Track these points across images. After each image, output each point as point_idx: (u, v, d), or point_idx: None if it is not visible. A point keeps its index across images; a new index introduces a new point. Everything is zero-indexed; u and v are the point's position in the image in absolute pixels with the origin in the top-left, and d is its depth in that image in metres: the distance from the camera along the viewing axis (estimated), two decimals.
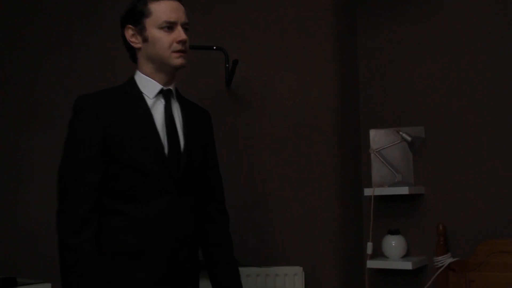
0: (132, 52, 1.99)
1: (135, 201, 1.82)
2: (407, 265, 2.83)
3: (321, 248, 2.90)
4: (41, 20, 3.14)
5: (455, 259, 2.84)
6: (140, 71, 1.96)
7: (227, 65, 2.93)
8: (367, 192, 3.02)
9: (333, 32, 3.04)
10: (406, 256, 3.00)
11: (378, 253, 3.06)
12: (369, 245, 3.01)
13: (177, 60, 1.91)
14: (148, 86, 1.93)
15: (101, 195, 1.83)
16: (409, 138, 3.01)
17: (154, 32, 1.89)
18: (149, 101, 1.91)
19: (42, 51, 3.11)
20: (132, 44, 1.94)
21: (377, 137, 3.17)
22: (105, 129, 1.82)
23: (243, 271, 2.84)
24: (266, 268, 2.85)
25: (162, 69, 1.93)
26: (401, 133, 3.04)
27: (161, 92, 1.94)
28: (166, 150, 1.86)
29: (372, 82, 3.25)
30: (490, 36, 2.95)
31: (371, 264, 2.95)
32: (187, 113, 2.00)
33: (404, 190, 2.90)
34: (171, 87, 1.98)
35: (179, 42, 1.90)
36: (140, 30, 1.91)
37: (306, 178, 2.96)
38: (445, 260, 2.84)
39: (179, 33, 1.90)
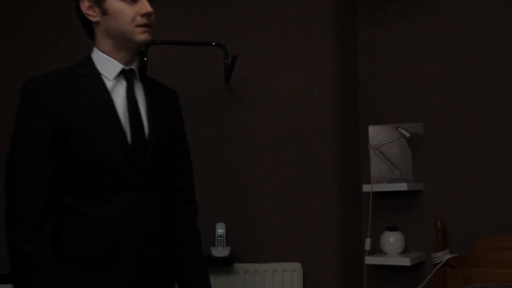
0: (89, 28, 1.74)
1: (95, 199, 1.61)
2: (405, 261, 2.83)
3: (320, 244, 2.91)
4: (40, 18, 3.14)
5: (453, 255, 2.85)
6: (98, 49, 1.72)
7: (226, 61, 2.94)
8: (366, 188, 3.02)
9: (333, 31, 3.05)
10: (404, 252, 3.01)
11: (377, 249, 3.07)
12: (368, 241, 3.02)
13: (141, 36, 1.67)
14: (108, 66, 1.70)
15: (57, 192, 1.62)
16: (408, 135, 3.01)
17: (114, 3, 1.66)
18: (109, 84, 1.68)
19: (42, 50, 3.11)
20: (89, 17, 1.70)
21: (376, 134, 3.17)
22: (58, 116, 1.59)
23: (242, 267, 2.85)
24: (264, 264, 2.86)
25: (123, 46, 1.70)
26: (400, 129, 3.04)
27: (122, 72, 1.71)
28: (129, 139, 1.64)
29: (371, 79, 3.25)
30: (490, 36, 2.95)
31: (370, 260, 2.96)
32: (153, 95, 1.77)
33: (402, 187, 2.91)
34: (133, 67, 1.74)
35: (143, 15, 1.66)
36: (98, 1, 1.67)
37: (305, 174, 2.96)
38: (443, 256, 2.85)
39: (144, 5, 1.67)
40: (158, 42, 2.85)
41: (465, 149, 2.96)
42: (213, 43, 2.92)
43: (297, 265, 2.85)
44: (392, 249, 2.96)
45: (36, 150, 1.59)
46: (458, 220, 2.93)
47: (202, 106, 3.03)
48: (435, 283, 2.88)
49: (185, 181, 1.88)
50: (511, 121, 2.86)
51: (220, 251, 2.83)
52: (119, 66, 1.70)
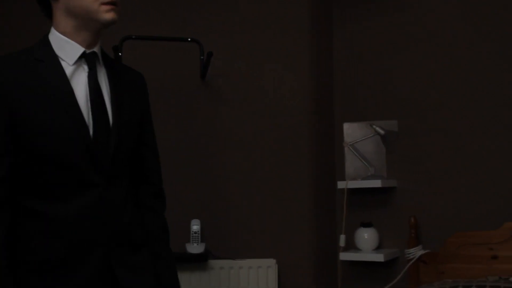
0: (46, 4, 1.56)
1: (53, 199, 1.47)
2: (379, 257, 2.86)
3: (295, 240, 2.92)
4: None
5: (425, 251, 2.88)
6: (56, 30, 1.53)
7: (202, 57, 2.92)
8: (340, 185, 3.04)
9: (308, 26, 3.05)
10: (378, 248, 3.04)
11: (351, 246, 3.09)
12: (342, 238, 3.04)
13: (107, 15, 1.49)
14: (67, 49, 1.52)
15: (12, 192, 1.46)
16: (382, 132, 3.04)
17: None
18: (68, 69, 1.51)
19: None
20: None
21: (351, 131, 3.19)
22: (11, 108, 1.43)
23: (217, 263, 2.85)
24: (239, 261, 2.86)
25: (86, 26, 1.52)
26: (374, 126, 3.07)
27: (83, 56, 1.53)
28: (91, 132, 1.49)
29: (346, 77, 3.26)
30: (465, 30, 2.98)
31: (344, 256, 2.98)
32: (117, 80, 1.60)
33: (376, 183, 2.93)
34: (95, 50, 1.57)
35: None
36: None
37: (280, 171, 2.97)
38: (416, 252, 2.88)
39: None
40: (133, 37, 2.83)
41: (438, 147, 2.99)
42: (189, 39, 2.91)
43: (272, 262, 2.86)
44: (366, 245, 2.98)
45: None
46: (431, 216, 2.97)
47: (178, 102, 3.01)
48: (408, 278, 2.92)
49: (152, 172, 1.75)
50: (483, 119, 2.90)
51: (195, 248, 2.83)
52: (80, 49, 1.53)
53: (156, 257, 1.70)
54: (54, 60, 1.50)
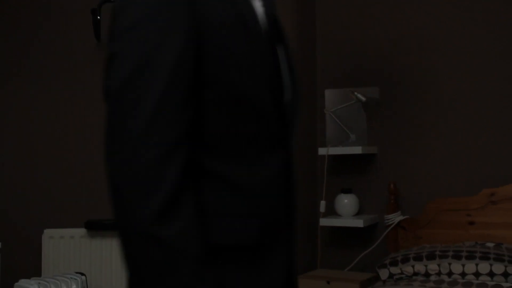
0: None
1: (240, 157, 1.07)
2: (359, 223, 2.89)
3: None
4: None
5: (404, 217, 2.92)
6: None
7: None
8: (321, 151, 3.05)
9: None
10: (358, 214, 3.07)
11: (331, 211, 3.12)
12: (322, 204, 3.06)
13: None
14: None
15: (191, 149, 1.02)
16: (363, 99, 3.04)
17: None
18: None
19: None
20: None
21: (332, 97, 3.19)
22: (199, 21, 1.01)
23: None
24: None
25: None
26: (356, 93, 3.07)
27: None
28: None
29: (328, 43, 3.24)
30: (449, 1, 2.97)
31: (324, 222, 3.01)
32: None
33: (357, 150, 2.94)
34: None
35: None
36: None
37: None
38: (395, 218, 2.92)
39: None
40: (112, 0, 2.77)
41: (418, 114, 3.00)
42: None
43: None
44: (346, 211, 3.01)
45: (168, 79, 0.97)
46: (410, 183, 3.00)
47: None
48: (387, 244, 2.96)
49: None
50: (463, 87, 2.92)
51: None
52: None
53: None
54: None
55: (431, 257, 2.51)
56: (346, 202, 3.01)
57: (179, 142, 0.97)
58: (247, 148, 1.07)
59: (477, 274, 2.40)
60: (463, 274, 2.42)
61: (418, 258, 2.54)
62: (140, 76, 0.96)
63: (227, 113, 1.05)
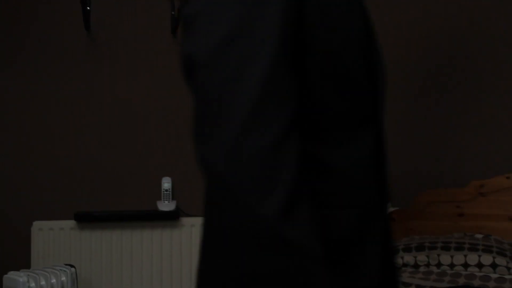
0: None
1: (337, 140, 0.91)
2: None
3: None
4: None
5: (395, 208, 2.93)
6: None
7: (173, 13, 2.86)
8: None
9: None
10: None
11: None
12: None
13: None
14: None
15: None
16: None
17: None
18: None
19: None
20: None
21: None
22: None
23: (188, 221, 2.86)
24: None
25: None
26: None
27: None
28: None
29: None
30: None
31: None
32: None
33: None
34: None
35: None
36: None
37: None
38: None
39: None
40: None
41: (407, 106, 3.01)
42: None
43: None
44: None
45: (286, 39, 0.81)
46: (401, 174, 3.01)
47: (148, 57, 2.96)
48: None
49: None
50: (446, 78, 2.91)
51: (166, 205, 2.83)
52: None
53: None
54: None
55: (420, 248, 2.52)
56: None
57: (293, 122, 0.79)
58: (342, 126, 0.92)
59: (465, 265, 2.41)
60: (451, 265, 2.43)
61: (407, 250, 2.54)
62: (242, 37, 0.76)
63: (327, 86, 0.88)
